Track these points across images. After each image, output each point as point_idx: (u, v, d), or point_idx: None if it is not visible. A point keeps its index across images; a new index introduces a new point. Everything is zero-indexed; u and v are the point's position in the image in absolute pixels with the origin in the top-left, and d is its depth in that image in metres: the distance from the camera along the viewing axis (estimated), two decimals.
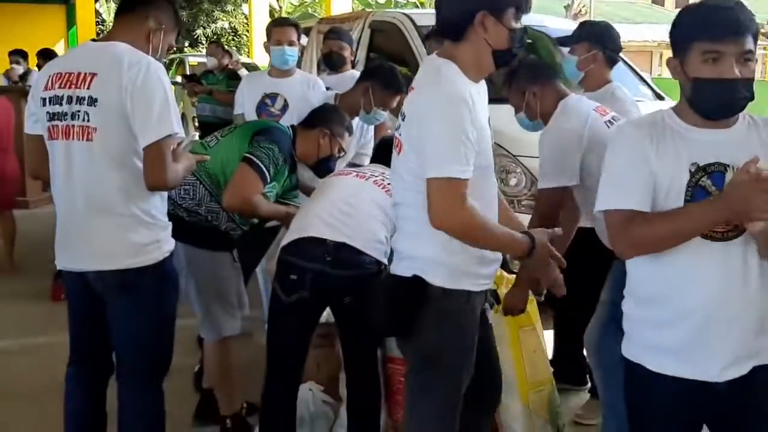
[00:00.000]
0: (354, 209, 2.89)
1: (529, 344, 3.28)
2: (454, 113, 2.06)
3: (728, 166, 1.87)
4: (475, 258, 2.22)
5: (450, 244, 2.14)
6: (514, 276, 3.73)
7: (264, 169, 3.00)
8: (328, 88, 4.60)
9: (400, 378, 3.04)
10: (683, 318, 1.92)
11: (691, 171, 1.88)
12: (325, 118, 3.32)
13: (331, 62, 4.73)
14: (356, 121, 3.84)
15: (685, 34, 1.89)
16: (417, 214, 2.14)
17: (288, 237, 2.91)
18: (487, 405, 2.67)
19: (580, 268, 3.62)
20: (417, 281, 2.20)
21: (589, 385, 3.79)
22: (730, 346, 1.91)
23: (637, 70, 6.11)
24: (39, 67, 8.98)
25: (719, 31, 1.82)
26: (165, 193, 2.63)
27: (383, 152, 3.29)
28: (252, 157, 3.01)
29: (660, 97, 5.78)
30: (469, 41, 2.15)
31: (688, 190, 1.88)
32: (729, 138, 1.91)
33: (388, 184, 2.98)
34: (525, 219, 4.40)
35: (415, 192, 2.14)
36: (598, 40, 3.55)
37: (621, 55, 3.75)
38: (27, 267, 5.88)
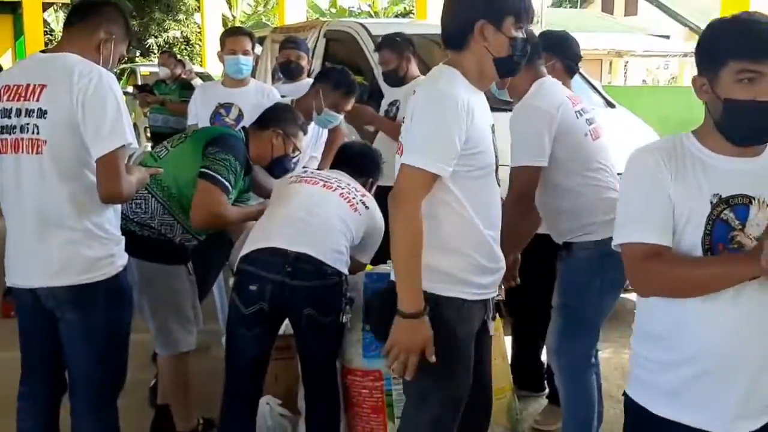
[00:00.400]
0: (316, 219, 2.86)
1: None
2: (441, 109, 2.10)
3: (753, 198, 1.72)
4: (471, 266, 2.21)
5: (442, 249, 2.15)
6: None
7: (224, 181, 2.96)
8: (283, 97, 4.59)
9: (360, 389, 3.03)
10: (691, 361, 1.78)
11: (712, 202, 1.73)
12: (277, 118, 3.29)
13: (288, 71, 4.72)
14: (312, 127, 3.85)
15: (718, 50, 1.73)
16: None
17: (248, 246, 2.87)
18: (473, 424, 2.53)
19: (533, 275, 3.68)
20: (392, 287, 2.19)
21: (548, 391, 3.83)
22: (742, 395, 1.76)
23: (588, 78, 6.21)
24: None
25: (759, 49, 1.67)
26: (118, 207, 2.58)
27: (344, 158, 3.31)
28: (209, 172, 2.96)
29: (611, 105, 5.87)
30: (470, 50, 2.20)
31: (708, 223, 1.72)
32: (755, 167, 1.76)
33: (354, 198, 2.99)
34: None
35: None
36: (557, 50, 3.58)
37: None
38: None
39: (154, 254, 3.04)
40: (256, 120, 3.35)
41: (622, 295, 5.11)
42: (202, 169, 2.96)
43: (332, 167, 3.33)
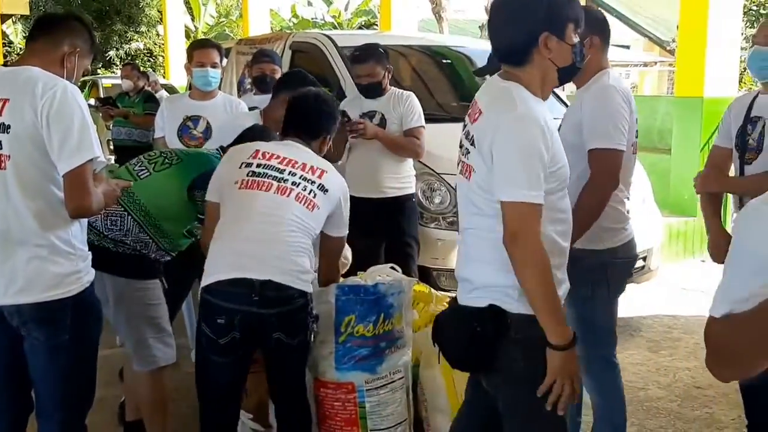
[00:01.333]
0: (275, 240, 2.76)
1: None
2: (529, 135, 2.04)
3: None
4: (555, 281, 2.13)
5: None
6: (443, 294, 3.79)
7: None
8: (254, 108, 4.57)
9: (333, 402, 3.01)
10: None
11: None
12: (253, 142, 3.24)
13: (264, 85, 4.69)
14: None
15: None
16: (490, 241, 2.09)
17: (210, 275, 2.75)
18: None
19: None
20: (495, 310, 2.11)
21: None
22: None
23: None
24: None
25: None
26: (85, 222, 2.54)
27: (294, 121, 3.06)
28: (202, 216, 2.99)
29: None
30: (533, 63, 2.14)
31: None
32: None
33: (310, 193, 2.84)
34: (449, 235, 4.53)
35: (487, 218, 2.11)
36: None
37: None
38: None
39: (130, 270, 3.00)
40: (234, 142, 3.26)
41: None
42: (203, 217, 2.98)
43: (283, 132, 3.11)
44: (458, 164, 2.25)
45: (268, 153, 2.92)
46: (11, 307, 2.41)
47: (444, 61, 6.23)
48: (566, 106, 5.98)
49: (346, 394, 3.01)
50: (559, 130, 2.60)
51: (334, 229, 2.99)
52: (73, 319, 2.45)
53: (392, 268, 3.22)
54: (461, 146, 2.24)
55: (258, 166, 2.87)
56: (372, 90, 4.39)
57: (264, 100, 4.63)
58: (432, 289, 3.67)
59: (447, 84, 6.11)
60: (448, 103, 5.64)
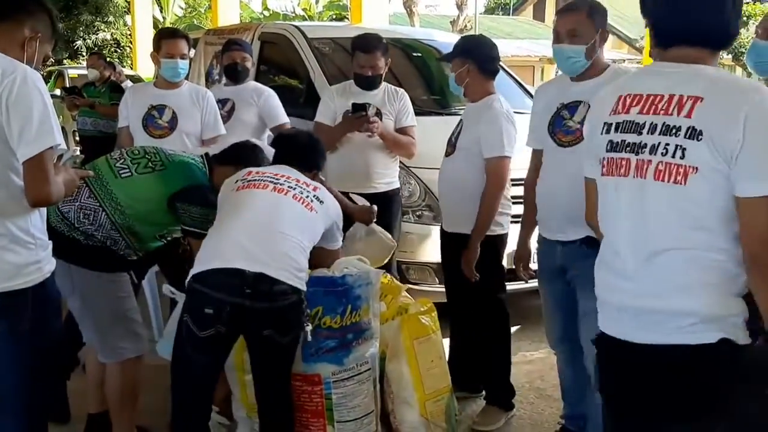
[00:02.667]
0: (272, 234, 2.76)
1: (426, 355, 3.31)
2: None
3: None
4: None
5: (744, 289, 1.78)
6: (409, 286, 3.81)
7: (200, 231, 2.94)
8: (225, 100, 4.51)
9: (300, 394, 3.00)
10: None
11: None
12: (239, 157, 3.18)
13: (234, 73, 4.63)
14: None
15: None
16: (709, 261, 1.77)
17: (201, 264, 2.73)
18: None
19: (488, 277, 3.70)
20: (728, 346, 1.76)
21: (484, 392, 3.85)
22: None
23: (522, 83, 6.30)
24: None
25: None
26: (44, 211, 2.49)
27: (287, 152, 3.16)
28: (193, 229, 2.98)
29: None
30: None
31: None
32: None
33: (306, 196, 2.90)
34: (419, 228, 4.53)
35: (707, 232, 1.76)
36: (470, 54, 3.65)
37: (504, 66, 3.84)
38: None
39: (100, 263, 2.96)
40: (220, 155, 3.24)
41: None
42: (191, 229, 2.99)
43: (275, 161, 3.19)
44: (644, 170, 1.83)
45: (262, 170, 3.00)
46: None
47: (414, 54, 6.22)
48: None
49: (313, 386, 3.00)
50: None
51: (330, 243, 3.07)
52: (33, 309, 2.39)
53: (360, 259, 3.21)
54: (644, 147, 1.84)
55: (253, 176, 2.94)
56: (372, 82, 4.29)
57: (235, 91, 4.59)
58: (393, 279, 3.68)
59: (417, 77, 6.10)
60: (418, 96, 5.61)
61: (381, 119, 4.25)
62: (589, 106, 2.95)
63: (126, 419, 3.19)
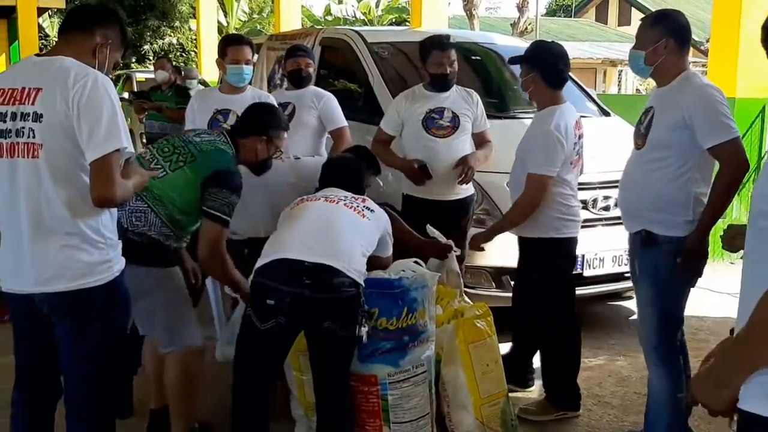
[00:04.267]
0: (330, 231, 2.86)
1: (481, 359, 3.31)
2: None
3: None
4: None
5: None
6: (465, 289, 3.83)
7: (225, 217, 2.99)
8: (287, 103, 4.59)
9: (356, 394, 3.03)
10: None
11: None
12: (259, 123, 3.28)
13: (298, 79, 4.71)
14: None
15: None
16: None
17: (263, 258, 2.84)
18: None
19: (539, 279, 3.76)
20: None
21: (534, 386, 3.92)
22: None
23: (584, 86, 6.23)
24: None
25: None
26: (114, 211, 2.57)
27: (334, 177, 3.27)
28: (211, 211, 2.99)
29: (606, 113, 5.89)
30: None
31: None
32: None
33: (357, 206, 3.00)
34: (477, 232, 4.52)
35: None
36: (535, 63, 3.68)
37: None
38: None
39: (161, 259, 3.06)
40: (240, 127, 3.33)
41: (616, 303, 5.15)
42: (209, 210, 2.99)
43: (321, 185, 3.29)
44: None
45: (313, 195, 3.13)
46: (42, 295, 2.45)
47: (474, 57, 6.21)
48: (598, 106, 5.95)
49: (369, 387, 3.03)
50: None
51: (382, 251, 3.15)
52: (102, 308, 2.48)
53: (416, 262, 3.23)
54: None
55: (305, 199, 3.11)
56: (447, 82, 4.27)
57: (296, 95, 4.67)
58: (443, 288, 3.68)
59: (476, 80, 6.09)
60: None
61: (459, 121, 4.27)
62: (654, 113, 3.01)
63: (184, 411, 3.25)
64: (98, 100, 2.35)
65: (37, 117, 2.36)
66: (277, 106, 3.54)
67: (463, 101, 4.35)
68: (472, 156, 4.27)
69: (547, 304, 3.75)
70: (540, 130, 3.63)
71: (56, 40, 2.62)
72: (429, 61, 4.27)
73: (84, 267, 2.43)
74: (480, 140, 4.40)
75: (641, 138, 3.13)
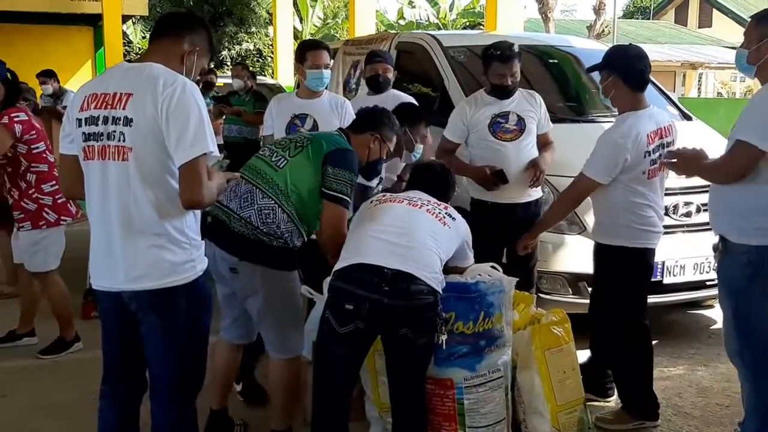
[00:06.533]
0: (409, 237, 2.86)
1: (558, 366, 3.27)
2: None
3: None
4: None
5: None
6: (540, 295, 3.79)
7: (347, 198, 3.06)
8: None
9: (432, 397, 3.04)
10: None
11: None
12: (375, 123, 3.33)
13: (377, 84, 4.79)
14: None
15: None
16: None
17: (342, 262, 2.86)
18: None
19: (609, 287, 3.69)
20: None
21: (614, 396, 3.83)
22: None
23: (665, 90, 6.09)
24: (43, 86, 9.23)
25: None
26: (198, 212, 2.65)
27: (421, 181, 3.29)
28: (333, 193, 3.04)
29: (687, 117, 5.74)
30: None
31: None
32: None
33: (439, 213, 3.00)
34: (554, 237, 4.47)
35: None
36: (614, 67, 3.60)
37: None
38: None
39: (283, 262, 3.08)
40: (355, 123, 3.41)
41: (696, 311, 5.01)
42: (330, 192, 3.04)
43: (408, 188, 3.30)
44: None
45: (396, 195, 3.17)
46: (130, 293, 2.54)
47: (550, 60, 6.15)
48: (679, 110, 5.81)
49: (445, 390, 3.03)
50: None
51: (462, 261, 3.14)
52: (187, 306, 2.56)
53: (492, 266, 3.22)
54: None
55: (388, 197, 3.15)
56: (508, 93, 4.29)
57: (380, 99, 4.69)
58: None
59: (553, 84, 6.02)
60: (554, 103, 5.54)
61: (525, 124, 4.27)
62: None
63: (287, 413, 3.27)
64: (186, 105, 2.42)
65: (128, 121, 2.44)
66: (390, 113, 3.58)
67: (527, 103, 4.34)
68: (542, 159, 4.28)
69: (616, 312, 3.68)
70: (606, 135, 3.58)
71: (140, 46, 2.71)
72: (490, 71, 4.31)
73: (169, 266, 2.51)
74: (543, 141, 4.39)
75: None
